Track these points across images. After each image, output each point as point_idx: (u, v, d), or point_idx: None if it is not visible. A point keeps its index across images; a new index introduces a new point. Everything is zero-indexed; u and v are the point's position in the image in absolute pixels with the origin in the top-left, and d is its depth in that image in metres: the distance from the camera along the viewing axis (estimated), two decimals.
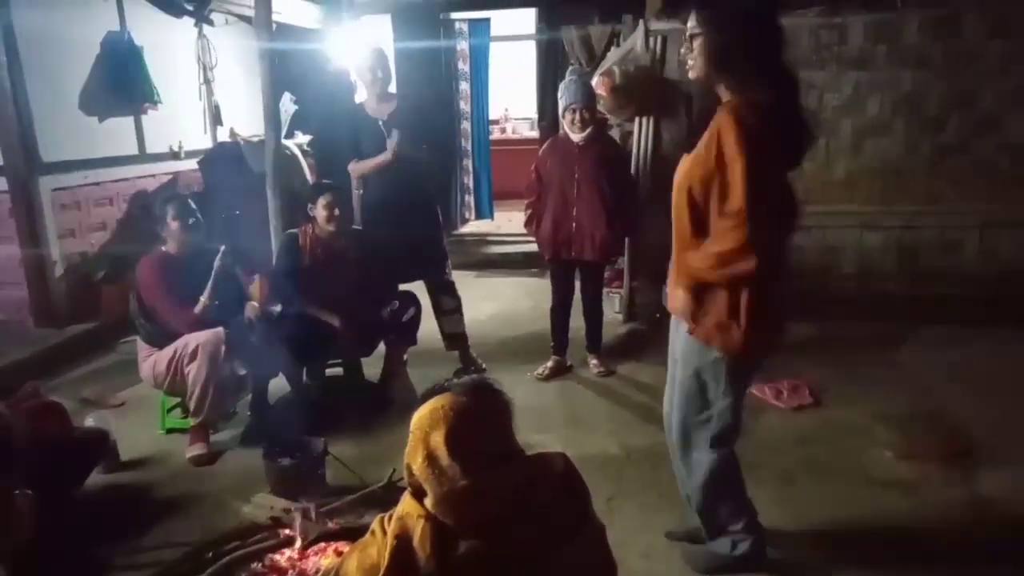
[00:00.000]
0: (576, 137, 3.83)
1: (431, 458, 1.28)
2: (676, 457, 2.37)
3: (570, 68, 4.09)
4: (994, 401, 3.52)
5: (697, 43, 2.06)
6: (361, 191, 4.15)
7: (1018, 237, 4.57)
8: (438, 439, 1.28)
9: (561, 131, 3.94)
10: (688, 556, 2.44)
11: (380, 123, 3.79)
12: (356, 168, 3.93)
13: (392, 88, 3.97)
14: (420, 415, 1.34)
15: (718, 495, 2.32)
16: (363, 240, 3.78)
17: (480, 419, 1.31)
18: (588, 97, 3.81)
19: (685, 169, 2.15)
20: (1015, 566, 2.39)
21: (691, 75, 2.13)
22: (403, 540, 1.28)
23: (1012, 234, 4.58)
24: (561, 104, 3.85)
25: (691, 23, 2.08)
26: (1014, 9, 4.39)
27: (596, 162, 3.81)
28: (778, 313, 2.18)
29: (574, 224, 3.86)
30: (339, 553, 2.26)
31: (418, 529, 1.27)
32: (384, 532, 1.34)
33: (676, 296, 2.19)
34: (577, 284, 4.15)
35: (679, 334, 2.28)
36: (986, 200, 4.56)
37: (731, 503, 2.34)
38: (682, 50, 2.17)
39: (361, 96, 5.71)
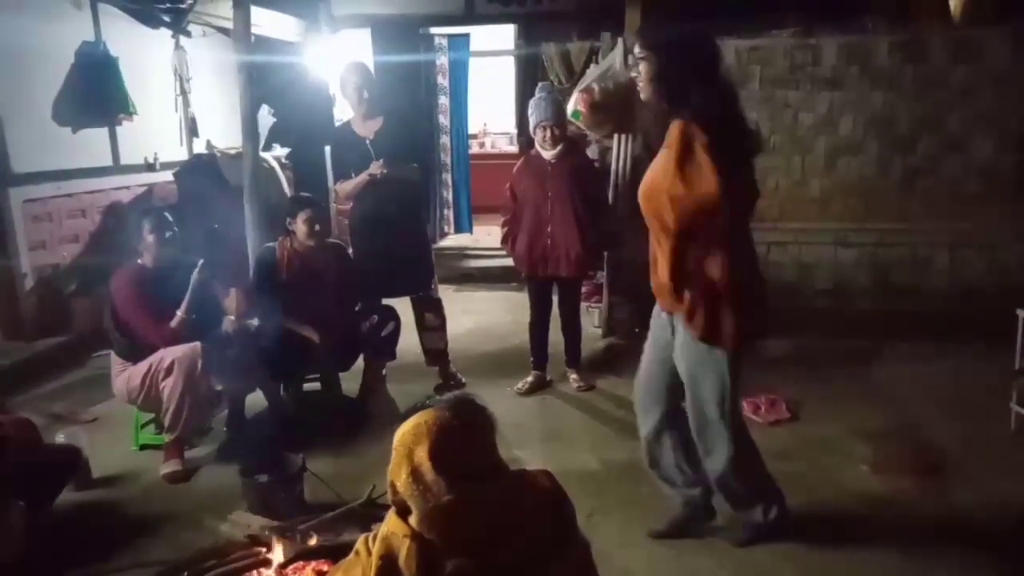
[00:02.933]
0: (547, 154, 3.84)
1: (415, 474, 1.27)
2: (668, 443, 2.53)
3: (540, 85, 4.11)
4: (964, 417, 3.58)
5: (643, 67, 2.27)
6: (348, 206, 4.13)
7: (986, 256, 4.68)
8: (422, 454, 1.27)
9: (534, 149, 3.96)
10: (728, 536, 2.58)
11: (367, 142, 3.77)
12: (341, 188, 3.91)
13: None
14: (403, 431, 1.33)
15: (746, 473, 2.47)
16: (341, 254, 3.76)
17: (464, 434, 1.31)
18: (558, 114, 3.82)
19: (649, 181, 2.31)
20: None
21: (642, 96, 2.32)
22: (388, 560, 1.27)
23: (979, 253, 4.69)
24: (531, 122, 3.86)
25: (636, 49, 2.30)
26: (978, 34, 4.52)
27: (568, 179, 3.82)
28: (756, 301, 2.34)
29: (548, 241, 3.87)
30: (318, 572, 2.22)
31: (403, 549, 1.26)
32: (369, 552, 1.32)
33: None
34: (555, 299, 4.16)
35: (681, 339, 2.38)
36: (955, 219, 4.66)
37: (758, 474, 2.53)
38: (632, 74, 2.35)
39: (342, 110, 5.68)
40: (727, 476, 2.46)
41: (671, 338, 2.42)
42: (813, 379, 4.11)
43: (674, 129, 2.20)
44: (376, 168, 3.65)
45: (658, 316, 2.51)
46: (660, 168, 2.24)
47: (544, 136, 3.81)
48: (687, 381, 2.42)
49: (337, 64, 5.61)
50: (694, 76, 2.19)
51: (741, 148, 2.24)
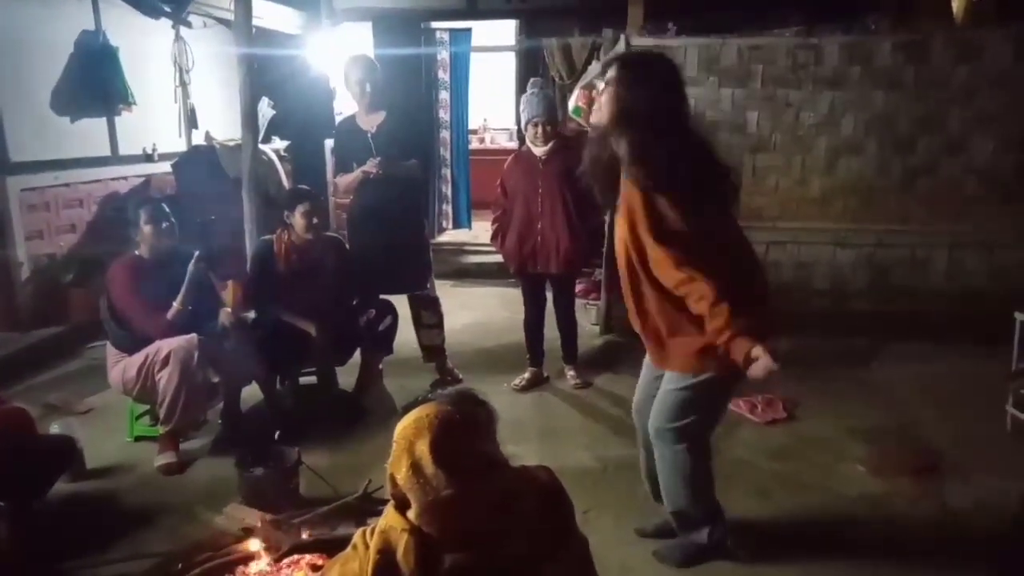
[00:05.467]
0: (538, 151, 3.81)
1: (416, 467, 1.26)
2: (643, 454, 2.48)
3: (531, 81, 4.08)
4: (961, 417, 3.59)
5: (608, 93, 2.16)
6: (347, 200, 4.12)
7: (984, 257, 4.68)
8: (423, 448, 1.26)
9: (525, 145, 3.94)
10: (662, 553, 2.50)
11: (368, 136, 3.75)
12: (340, 182, 3.89)
13: None
14: (404, 424, 1.32)
15: (692, 491, 2.38)
16: (339, 247, 3.75)
17: (465, 429, 1.30)
18: (550, 111, 3.78)
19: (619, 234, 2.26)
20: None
21: (593, 120, 2.23)
22: (386, 554, 1.26)
23: (978, 254, 4.68)
24: (523, 118, 3.84)
25: (608, 73, 2.18)
26: (980, 36, 4.51)
27: (559, 175, 3.78)
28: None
29: (539, 238, 3.84)
30: (313, 566, 2.22)
31: (402, 543, 1.25)
32: (366, 546, 1.31)
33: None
34: (550, 295, 4.14)
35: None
36: (954, 220, 4.66)
37: (704, 497, 2.42)
38: (593, 93, 2.22)
39: (342, 103, 5.64)
40: (677, 495, 2.39)
41: None
42: (810, 379, 4.10)
43: (636, 198, 2.11)
44: (371, 166, 3.64)
45: None
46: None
47: (536, 133, 3.78)
48: (662, 388, 2.35)
49: (338, 57, 5.59)
50: (658, 119, 2.10)
51: (712, 193, 2.17)
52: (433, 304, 4.06)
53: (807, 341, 4.58)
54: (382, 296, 3.86)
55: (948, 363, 4.26)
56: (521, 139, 7.33)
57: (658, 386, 2.39)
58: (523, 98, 3.86)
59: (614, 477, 3.07)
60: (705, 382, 2.24)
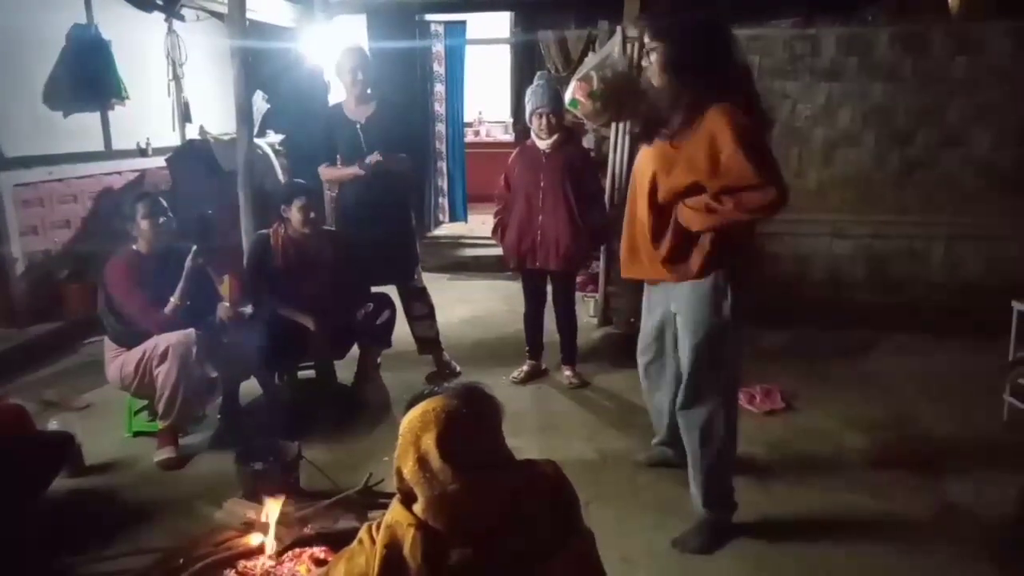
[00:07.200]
0: (543, 144, 3.77)
1: (422, 461, 1.26)
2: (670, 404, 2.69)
3: (539, 73, 4.05)
4: (958, 408, 3.61)
5: (655, 56, 2.31)
6: (335, 192, 4.10)
7: (982, 249, 4.69)
8: (429, 441, 1.26)
9: (530, 138, 3.91)
10: (681, 542, 2.54)
11: (357, 127, 3.73)
12: (326, 174, 3.87)
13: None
14: (411, 417, 1.32)
15: (728, 451, 2.55)
16: (336, 241, 3.73)
17: (472, 422, 1.30)
18: (556, 101, 3.72)
19: (650, 160, 2.42)
20: (979, 565, 2.45)
21: (655, 83, 2.37)
22: (393, 549, 1.26)
23: (976, 246, 4.70)
24: (528, 108, 3.78)
25: (647, 38, 2.37)
26: (979, 28, 4.51)
27: (562, 169, 3.74)
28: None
29: (539, 232, 3.79)
30: (315, 559, 2.22)
31: (408, 538, 1.25)
32: (373, 541, 1.31)
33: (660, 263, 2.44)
34: (549, 289, 4.12)
35: (678, 295, 2.49)
36: (952, 213, 4.66)
37: (732, 457, 2.60)
38: (643, 62, 2.41)
39: (337, 96, 5.62)
40: (715, 454, 2.51)
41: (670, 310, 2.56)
42: (808, 370, 4.12)
43: (719, 115, 2.22)
44: (360, 169, 3.66)
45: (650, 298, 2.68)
46: (703, 152, 2.27)
47: (540, 124, 3.74)
48: (689, 343, 2.47)
49: (332, 50, 5.54)
50: (711, 60, 2.24)
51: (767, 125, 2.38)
52: (422, 295, 4.04)
53: (805, 332, 4.60)
54: (376, 289, 3.85)
55: (946, 355, 4.27)
56: (517, 132, 7.35)
57: (659, 320, 2.61)
58: (528, 89, 3.81)
59: (615, 469, 3.07)
60: (724, 316, 2.39)
